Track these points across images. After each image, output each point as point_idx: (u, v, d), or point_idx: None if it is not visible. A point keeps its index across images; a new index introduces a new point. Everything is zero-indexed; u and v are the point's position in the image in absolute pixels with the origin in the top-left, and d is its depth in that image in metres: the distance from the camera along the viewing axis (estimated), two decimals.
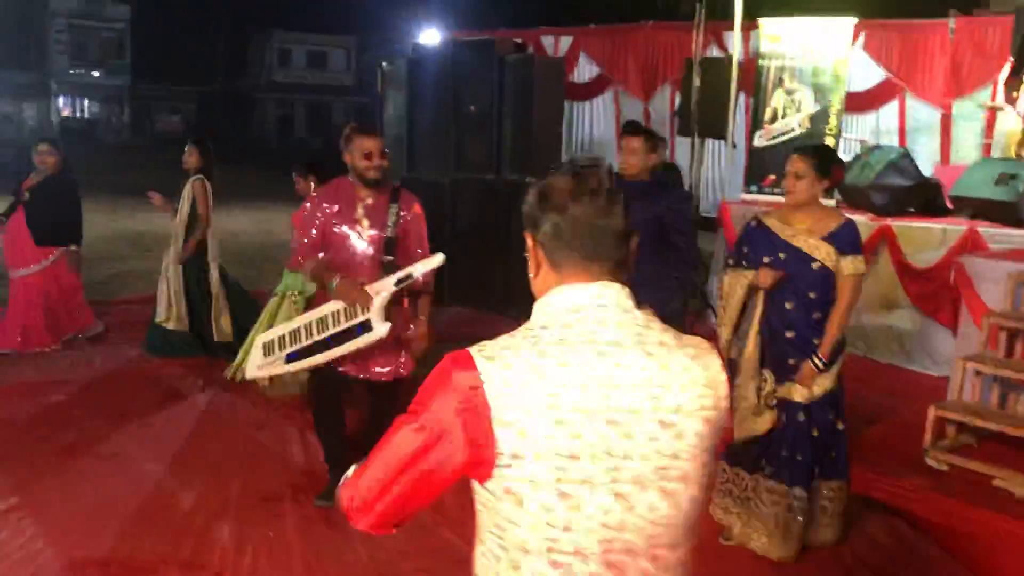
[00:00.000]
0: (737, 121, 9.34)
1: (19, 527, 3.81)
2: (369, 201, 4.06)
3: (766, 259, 3.64)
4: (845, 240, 3.55)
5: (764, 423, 3.66)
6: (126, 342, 6.78)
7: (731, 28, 10.94)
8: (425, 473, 1.38)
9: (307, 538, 3.80)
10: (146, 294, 7.59)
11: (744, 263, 3.73)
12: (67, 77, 43.14)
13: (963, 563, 3.64)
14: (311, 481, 4.40)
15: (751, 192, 8.16)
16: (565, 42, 13.54)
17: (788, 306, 3.61)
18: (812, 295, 3.58)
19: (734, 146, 9.34)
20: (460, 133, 8.49)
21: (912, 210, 7.29)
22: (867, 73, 9.93)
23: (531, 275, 1.49)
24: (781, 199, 7.87)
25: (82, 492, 4.19)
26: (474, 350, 1.38)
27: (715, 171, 11.18)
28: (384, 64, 9.23)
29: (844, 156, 8.14)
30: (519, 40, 9.38)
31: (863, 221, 7.07)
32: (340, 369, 4.02)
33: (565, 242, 1.43)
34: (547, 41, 13.65)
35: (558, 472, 1.30)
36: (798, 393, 3.64)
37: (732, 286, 3.71)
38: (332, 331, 3.89)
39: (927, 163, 8.65)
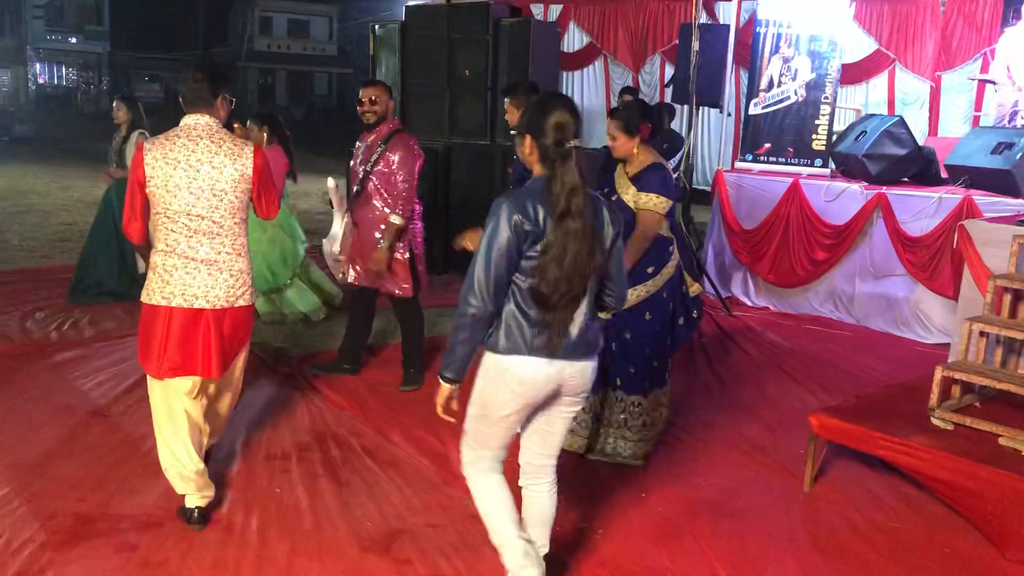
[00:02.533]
0: (729, 90, 9.35)
1: None
2: (368, 140, 4.99)
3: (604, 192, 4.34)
4: (646, 180, 4.10)
5: None
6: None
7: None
8: (139, 198, 3.36)
9: (314, 495, 3.78)
10: None
11: None
12: (44, 43, 42.40)
13: (969, 519, 3.69)
14: (316, 440, 4.38)
15: (745, 161, 8.14)
16: (555, 11, 13.43)
17: None
18: None
19: (729, 115, 9.35)
20: (454, 98, 8.41)
21: (907, 179, 7.32)
22: (858, 44, 9.93)
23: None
24: (777, 168, 7.94)
25: (79, 450, 4.15)
26: (145, 141, 3.40)
27: (707, 141, 11.18)
28: (377, 27, 9.08)
29: (839, 126, 8.14)
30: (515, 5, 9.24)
31: (857, 190, 7.11)
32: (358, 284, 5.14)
33: (185, 99, 3.42)
34: (536, 10, 13.53)
35: (164, 184, 3.28)
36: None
37: None
38: None
39: (916, 136, 8.66)
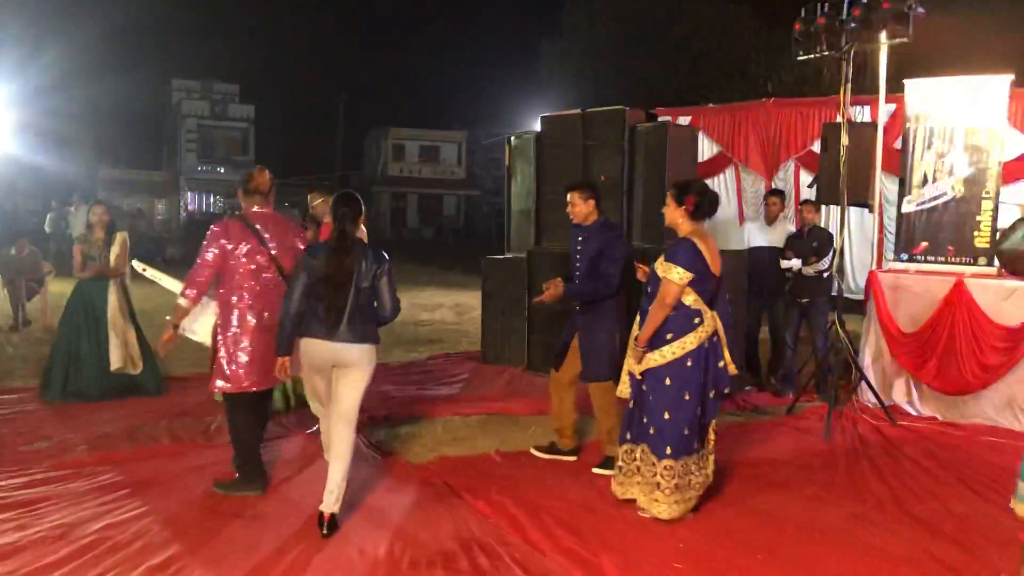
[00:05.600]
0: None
1: None
2: None
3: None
4: (670, 252, 4.53)
5: (624, 391, 4.78)
6: None
7: (861, 103, 10.67)
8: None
9: None
10: None
11: None
12: (195, 174, 45.64)
13: None
14: (462, 547, 4.14)
15: (900, 260, 7.68)
16: (683, 122, 13.44)
17: (643, 300, 4.68)
18: (649, 290, 4.63)
19: (871, 211, 8.86)
20: None
21: None
22: (1014, 143, 9.40)
23: None
24: (935, 267, 7.43)
25: (220, 553, 4.04)
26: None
27: (853, 245, 10.67)
28: (512, 138, 9.24)
29: (1003, 222, 7.60)
30: (651, 111, 9.25)
31: None
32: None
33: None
34: (663, 120, 13.57)
35: None
36: (632, 366, 4.65)
37: None
38: None
39: None
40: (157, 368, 7.36)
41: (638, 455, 4.63)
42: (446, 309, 14.28)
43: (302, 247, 4.91)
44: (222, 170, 46.55)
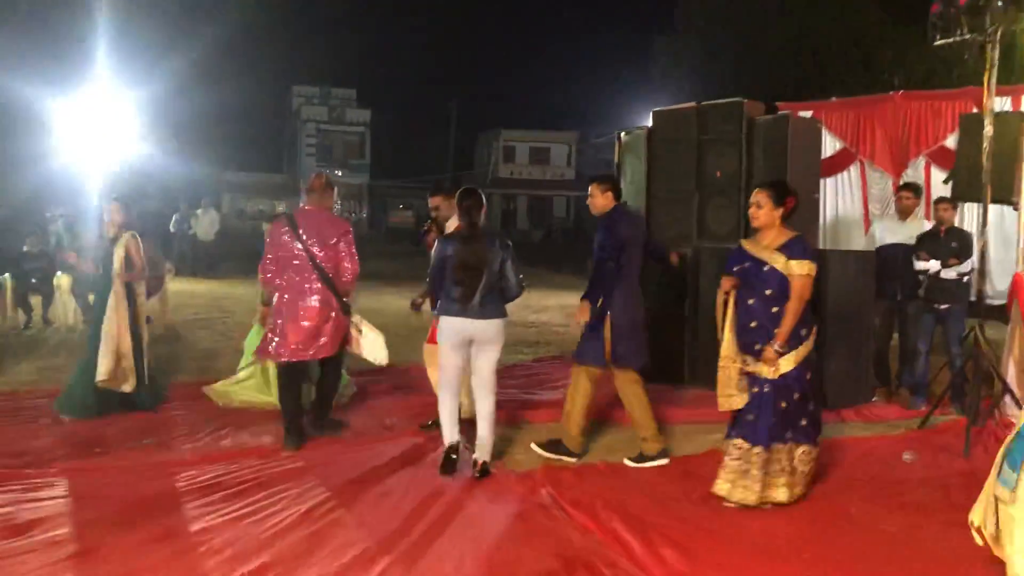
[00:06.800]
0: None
1: None
2: None
3: (735, 268, 4.71)
4: (794, 249, 4.57)
5: (740, 401, 4.63)
6: None
7: (1003, 94, 9.81)
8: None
9: None
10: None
11: None
12: None
13: None
14: (565, 567, 3.87)
15: None
16: (804, 116, 12.80)
17: (750, 302, 4.63)
18: (768, 292, 4.58)
19: (1016, 208, 8.17)
20: (703, 200, 7.97)
21: None
22: None
23: None
24: None
25: (325, 567, 3.90)
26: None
27: (990, 245, 9.86)
28: (622, 135, 8.91)
29: None
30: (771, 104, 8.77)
31: None
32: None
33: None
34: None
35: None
36: (764, 371, 4.57)
37: (716, 298, 4.76)
38: None
39: None
40: (157, 387, 6.84)
41: (793, 455, 4.64)
42: (554, 311, 14.06)
43: (340, 241, 5.69)
44: (340, 173, 47.71)
